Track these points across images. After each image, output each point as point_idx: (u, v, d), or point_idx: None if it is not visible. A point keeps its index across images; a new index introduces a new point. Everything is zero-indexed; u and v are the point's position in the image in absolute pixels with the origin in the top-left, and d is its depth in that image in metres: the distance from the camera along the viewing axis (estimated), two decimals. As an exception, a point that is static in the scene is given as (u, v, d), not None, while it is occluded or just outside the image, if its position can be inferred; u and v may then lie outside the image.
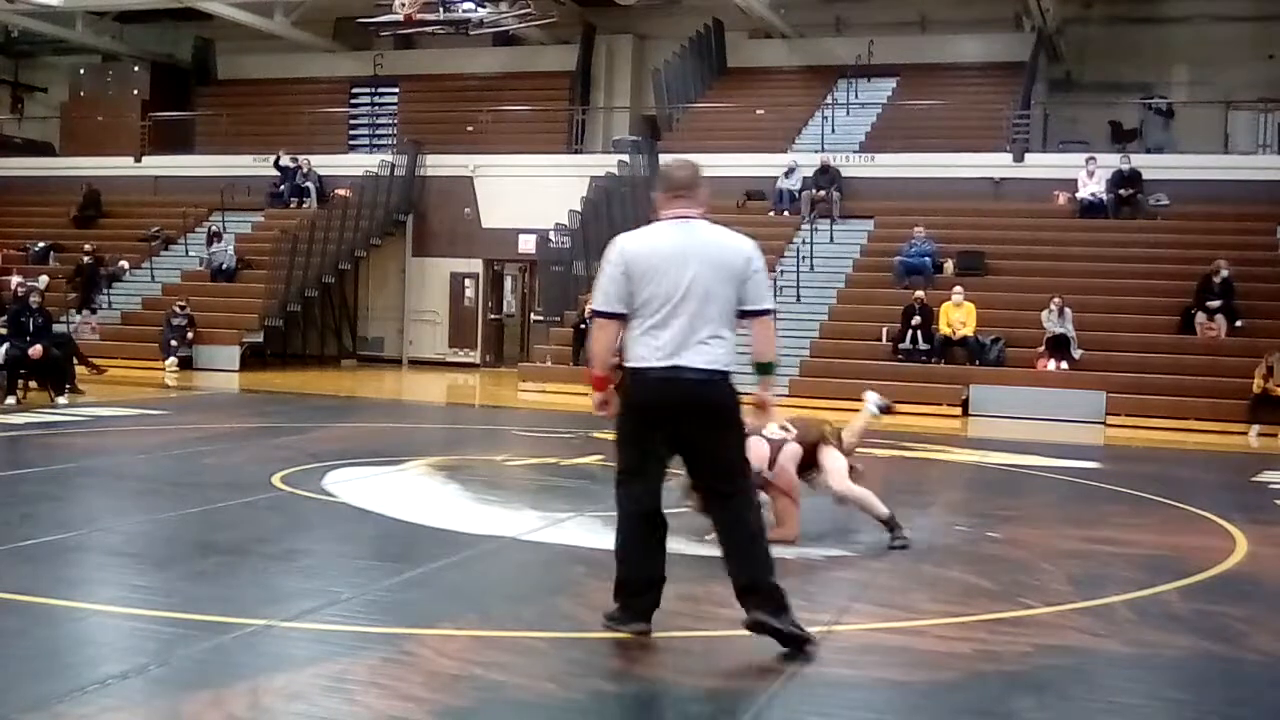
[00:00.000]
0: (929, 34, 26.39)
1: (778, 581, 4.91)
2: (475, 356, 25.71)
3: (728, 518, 5.01)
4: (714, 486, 5.06)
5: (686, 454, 5.03)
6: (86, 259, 23.40)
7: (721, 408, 4.93)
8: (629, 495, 5.06)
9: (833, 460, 7.44)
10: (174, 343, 21.14)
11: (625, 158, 23.93)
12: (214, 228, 24.82)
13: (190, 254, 25.02)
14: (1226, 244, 19.51)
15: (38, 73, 32.99)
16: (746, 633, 4.84)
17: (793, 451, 7.35)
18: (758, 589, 4.87)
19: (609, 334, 5.01)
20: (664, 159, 5.12)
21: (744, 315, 4.96)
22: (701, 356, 4.83)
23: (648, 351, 4.87)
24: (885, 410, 8.35)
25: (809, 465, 7.48)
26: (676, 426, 4.91)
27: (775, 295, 19.03)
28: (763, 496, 7.29)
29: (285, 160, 25.75)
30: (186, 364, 21.17)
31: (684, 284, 4.84)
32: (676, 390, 4.84)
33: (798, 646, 4.85)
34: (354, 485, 8.92)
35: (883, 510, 7.36)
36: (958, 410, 17.72)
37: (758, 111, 25.37)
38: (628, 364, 4.96)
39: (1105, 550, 7.44)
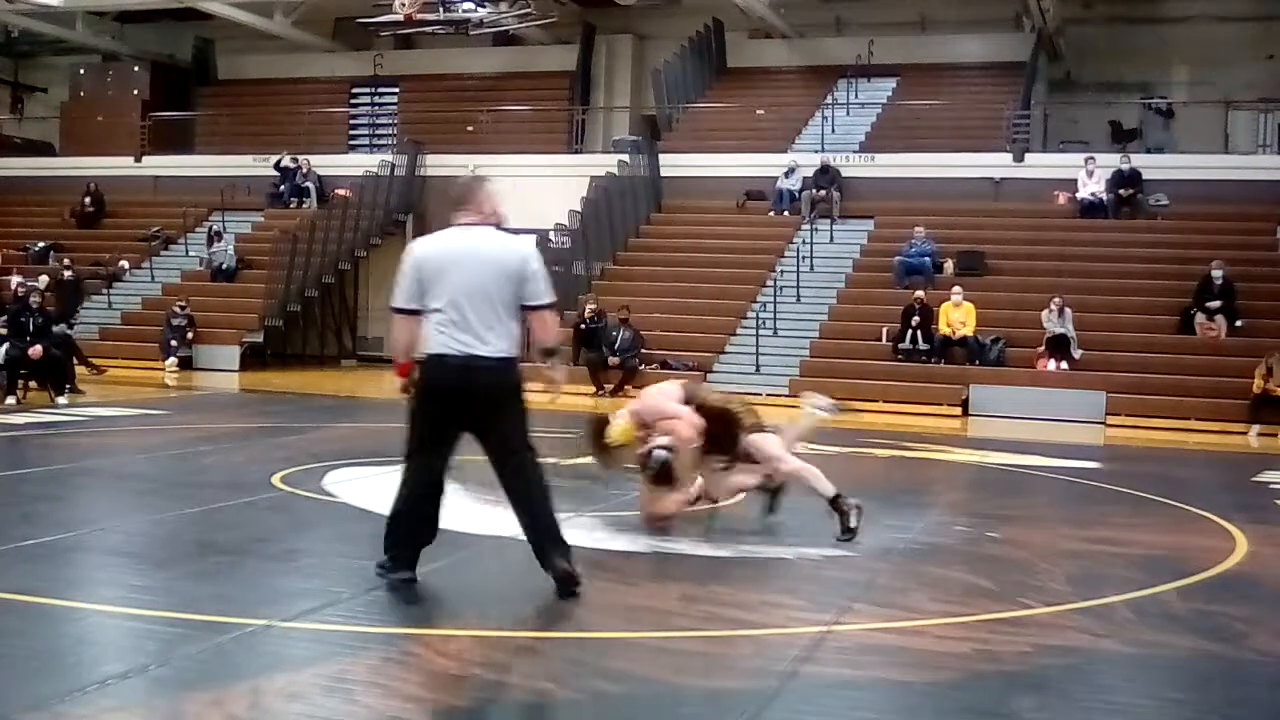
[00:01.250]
0: (929, 34, 26.36)
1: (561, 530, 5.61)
2: (475, 356, 25.66)
3: (518, 481, 5.61)
4: (502, 453, 5.62)
5: (478, 429, 5.59)
6: (67, 274, 23.03)
7: (509, 389, 5.57)
8: (417, 466, 5.66)
9: (766, 444, 7.27)
10: (174, 343, 21.12)
11: (625, 158, 23.90)
12: (214, 228, 24.80)
13: (190, 254, 25.00)
14: (1226, 244, 19.50)
15: (38, 73, 32.99)
16: (746, 633, 4.83)
17: (667, 388, 7.36)
18: (556, 541, 5.55)
19: (408, 326, 5.61)
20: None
21: (526, 309, 5.56)
22: (491, 346, 5.44)
23: (446, 342, 5.45)
24: (829, 410, 7.97)
25: (721, 449, 7.26)
26: (470, 407, 5.52)
27: (775, 295, 19.64)
28: (667, 439, 7.14)
29: (286, 160, 25.73)
30: (186, 364, 21.14)
31: (471, 283, 5.44)
32: (471, 376, 5.44)
33: (571, 586, 5.48)
34: (354, 485, 8.90)
35: (829, 488, 7.23)
36: (958, 410, 17.72)
37: (758, 111, 25.34)
38: (429, 352, 5.51)
39: (1105, 550, 7.43)
